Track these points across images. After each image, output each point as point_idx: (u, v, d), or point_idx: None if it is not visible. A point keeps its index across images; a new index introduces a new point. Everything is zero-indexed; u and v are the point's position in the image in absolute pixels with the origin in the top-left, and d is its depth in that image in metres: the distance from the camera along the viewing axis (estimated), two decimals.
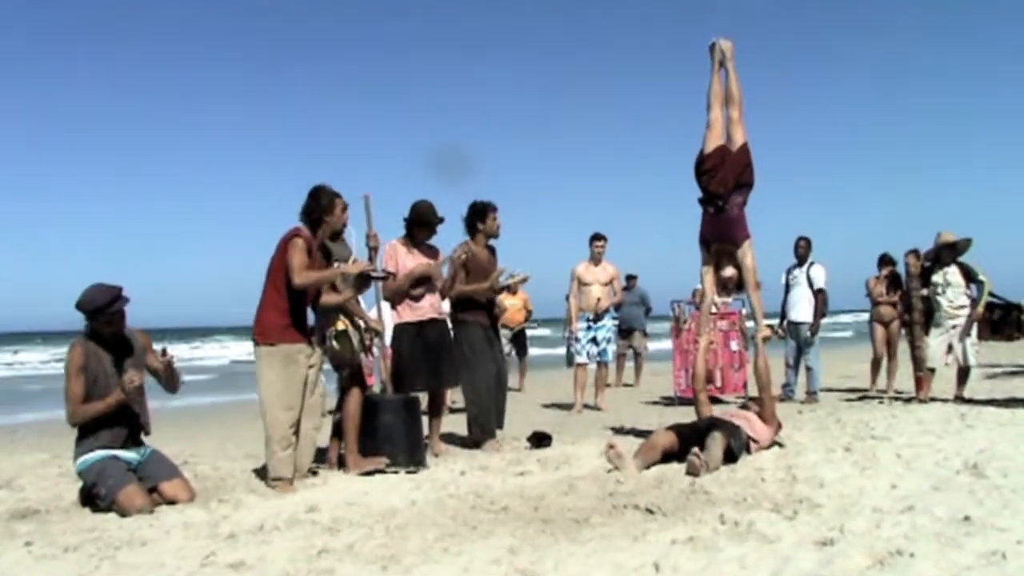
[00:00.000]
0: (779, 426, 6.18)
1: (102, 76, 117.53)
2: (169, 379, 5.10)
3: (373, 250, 6.11)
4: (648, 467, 5.33)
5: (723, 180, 6.40)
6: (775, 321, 10.67)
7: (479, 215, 6.94)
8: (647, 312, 13.75)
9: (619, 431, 7.47)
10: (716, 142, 6.58)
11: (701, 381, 6.49)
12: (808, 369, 10.11)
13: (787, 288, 10.32)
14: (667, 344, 13.40)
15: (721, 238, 6.43)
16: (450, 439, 7.17)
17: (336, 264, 5.68)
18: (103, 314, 4.78)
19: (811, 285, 10.07)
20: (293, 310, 5.29)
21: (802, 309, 10.13)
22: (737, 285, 6.53)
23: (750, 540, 3.59)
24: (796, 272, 10.25)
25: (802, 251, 10.26)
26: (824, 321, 10.28)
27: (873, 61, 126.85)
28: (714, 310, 9.70)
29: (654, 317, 14.41)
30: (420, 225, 6.57)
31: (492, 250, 7.07)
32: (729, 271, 6.44)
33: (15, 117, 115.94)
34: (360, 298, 6.08)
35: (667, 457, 5.47)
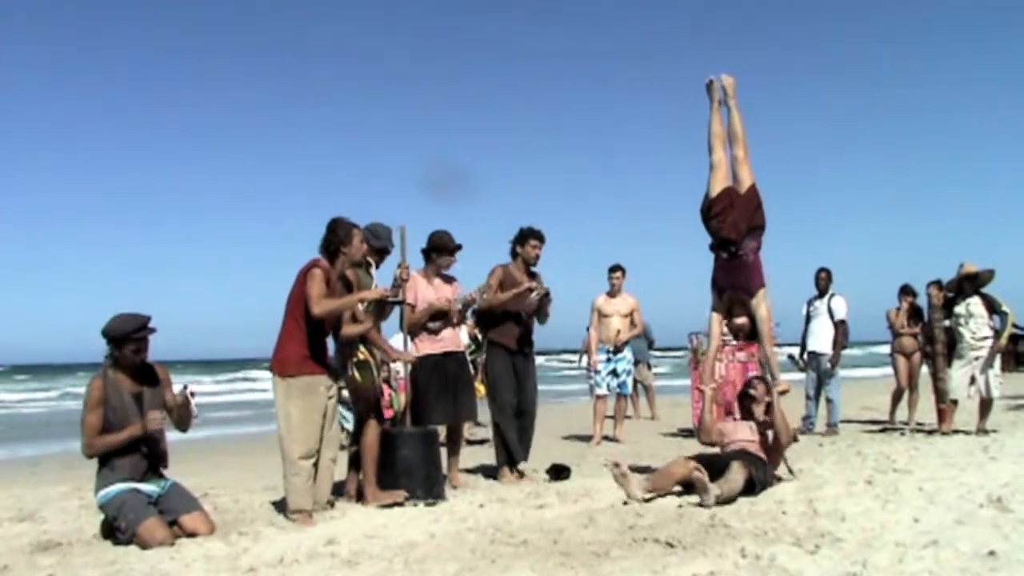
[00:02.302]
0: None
1: (137, 97, 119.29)
2: (182, 417, 5.11)
3: (403, 280, 6.16)
4: (657, 493, 5.31)
5: (734, 224, 6.16)
6: (795, 350, 10.66)
7: (520, 239, 7.00)
8: (650, 345, 13.68)
9: (639, 469, 7.41)
10: (722, 184, 6.34)
11: (710, 433, 6.15)
12: (828, 401, 10.04)
13: (807, 319, 10.30)
14: (672, 380, 13.33)
15: (735, 286, 6.17)
16: (468, 471, 7.15)
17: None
18: (130, 340, 4.84)
19: (832, 316, 10.04)
20: (312, 342, 5.32)
21: (822, 340, 10.08)
22: (749, 335, 6.27)
23: (771, 575, 3.56)
24: (817, 303, 10.22)
25: (823, 283, 10.24)
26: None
27: (899, 84, 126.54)
28: (734, 342, 9.66)
29: (658, 349, 14.36)
30: (439, 254, 6.61)
31: (532, 276, 7.04)
32: (741, 320, 6.20)
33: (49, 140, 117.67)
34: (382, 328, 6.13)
35: (687, 488, 5.44)
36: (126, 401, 4.85)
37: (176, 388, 5.15)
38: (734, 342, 9.66)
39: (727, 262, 6.21)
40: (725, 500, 5.09)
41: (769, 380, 6.13)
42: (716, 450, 6.05)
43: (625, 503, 5.22)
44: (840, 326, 9.99)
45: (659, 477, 5.44)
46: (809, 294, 10.38)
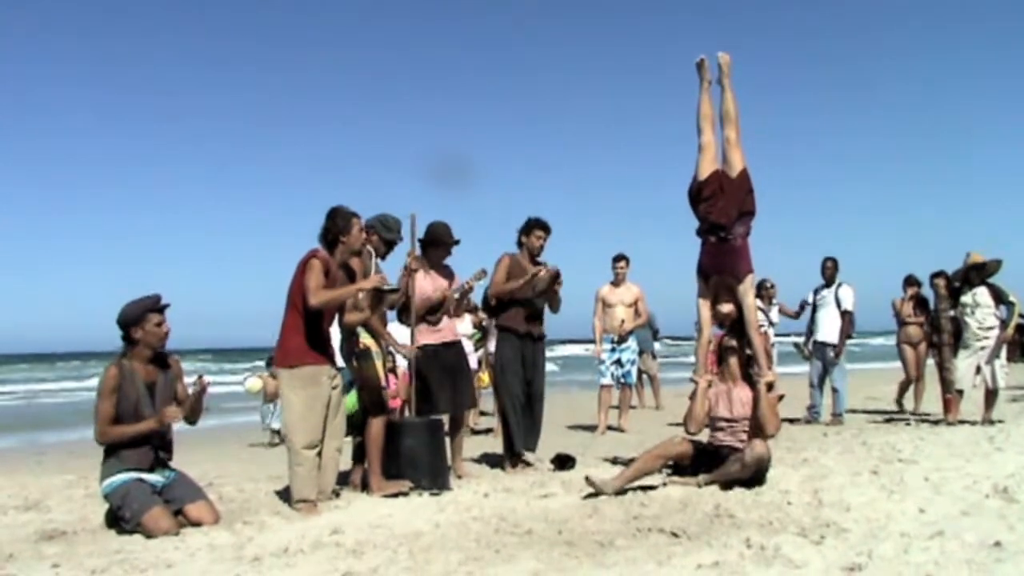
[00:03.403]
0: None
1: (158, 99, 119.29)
2: (193, 410, 5.11)
3: (412, 271, 6.14)
4: (641, 477, 5.36)
5: (724, 209, 6.00)
6: (801, 340, 10.65)
7: (525, 229, 7.00)
8: (655, 334, 13.63)
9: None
10: (711, 166, 6.15)
11: (698, 424, 5.80)
12: (834, 390, 10.03)
13: (814, 309, 10.28)
14: (676, 370, 13.28)
15: (723, 271, 5.99)
16: (473, 461, 7.16)
17: None
18: (151, 312, 4.86)
19: (838, 306, 10.02)
20: (314, 332, 5.30)
21: (828, 330, 10.07)
22: (734, 323, 5.94)
23: (776, 565, 3.55)
24: (824, 292, 10.20)
25: (829, 272, 10.22)
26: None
27: (904, 75, 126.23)
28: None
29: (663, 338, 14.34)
30: (436, 246, 6.58)
31: (538, 265, 7.00)
32: (727, 308, 5.95)
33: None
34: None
35: (678, 470, 5.52)
36: (140, 390, 4.86)
37: (189, 380, 5.16)
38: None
39: (715, 247, 6.05)
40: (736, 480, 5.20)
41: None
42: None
43: (624, 493, 5.22)
44: (846, 316, 9.98)
45: (649, 459, 5.43)
46: (816, 283, 10.37)
